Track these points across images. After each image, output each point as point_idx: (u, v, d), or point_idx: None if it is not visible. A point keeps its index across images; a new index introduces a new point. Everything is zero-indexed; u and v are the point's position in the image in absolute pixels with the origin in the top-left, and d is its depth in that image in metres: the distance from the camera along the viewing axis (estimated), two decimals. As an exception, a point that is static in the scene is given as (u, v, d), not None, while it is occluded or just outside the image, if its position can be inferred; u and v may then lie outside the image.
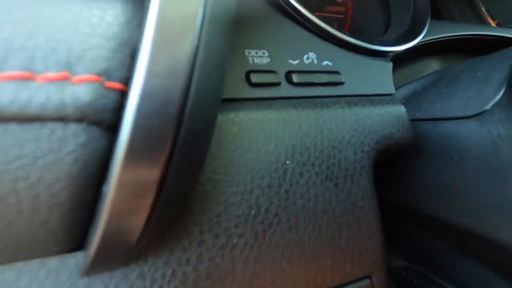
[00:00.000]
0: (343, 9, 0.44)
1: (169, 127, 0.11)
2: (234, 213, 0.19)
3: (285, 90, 0.24)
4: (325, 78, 0.25)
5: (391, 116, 0.26)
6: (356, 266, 0.22)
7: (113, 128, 0.12)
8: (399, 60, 0.36)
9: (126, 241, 0.13)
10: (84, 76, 0.11)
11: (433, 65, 0.42)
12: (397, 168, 0.30)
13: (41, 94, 0.10)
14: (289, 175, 0.21)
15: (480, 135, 0.24)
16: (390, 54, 0.30)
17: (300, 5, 0.25)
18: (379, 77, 0.28)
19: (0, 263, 0.14)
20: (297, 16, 0.26)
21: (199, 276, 0.18)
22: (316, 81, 0.25)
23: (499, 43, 0.42)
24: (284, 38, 0.25)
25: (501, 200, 0.23)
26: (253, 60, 0.23)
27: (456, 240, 0.28)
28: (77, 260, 0.15)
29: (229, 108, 0.21)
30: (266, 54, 0.24)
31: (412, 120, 0.29)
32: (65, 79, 0.11)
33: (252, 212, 0.19)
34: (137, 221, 0.12)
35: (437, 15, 0.48)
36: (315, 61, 0.26)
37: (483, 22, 0.48)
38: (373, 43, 0.29)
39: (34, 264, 0.14)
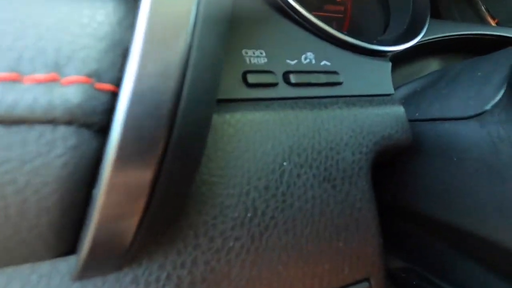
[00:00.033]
0: (342, 8, 0.44)
1: (161, 129, 0.11)
2: (230, 216, 0.18)
3: (283, 90, 0.23)
4: (323, 79, 0.25)
5: (390, 117, 0.26)
6: (354, 269, 0.22)
7: (104, 130, 0.12)
8: (398, 60, 0.36)
9: (118, 245, 0.13)
10: (74, 77, 0.11)
11: (432, 65, 0.42)
12: (396, 168, 0.30)
13: (29, 96, 0.10)
14: (286, 176, 0.20)
15: (480, 136, 0.24)
16: (389, 54, 0.30)
17: (298, 4, 0.25)
18: (377, 77, 0.28)
19: None
20: (295, 16, 0.25)
21: (194, 279, 0.17)
22: (314, 81, 0.25)
23: (499, 43, 0.42)
24: (282, 38, 0.25)
25: (500, 202, 0.23)
26: (250, 60, 0.23)
27: (455, 241, 0.28)
28: (69, 264, 0.15)
29: (225, 109, 0.20)
30: (264, 54, 0.24)
31: (411, 120, 0.28)
32: (53, 80, 0.11)
33: (249, 215, 0.19)
34: (129, 225, 0.12)
35: (436, 15, 0.48)
36: (313, 61, 0.26)
37: (483, 21, 0.48)
38: (372, 43, 0.29)
39: (25, 268, 0.14)
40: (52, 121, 0.11)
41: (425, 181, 0.28)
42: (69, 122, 0.11)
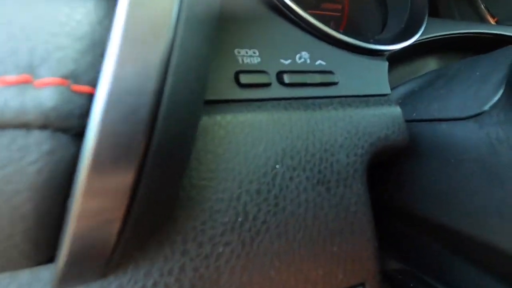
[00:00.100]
0: (339, 6, 0.43)
1: (140, 134, 0.10)
2: (220, 221, 0.18)
3: (276, 91, 0.23)
4: (318, 78, 0.25)
5: (386, 118, 0.25)
6: (348, 274, 0.21)
7: (83, 134, 0.11)
8: (395, 59, 0.35)
9: (98, 254, 0.12)
10: (48, 79, 0.10)
11: (430, 64, 0.41)
12: (393, 169, 0.30)
13: (-2, 99, 0.10)
14: (278, 180, 0.20)
15: (478, 137, 0.23)
16: (386, 53, 0.30)
17: (293, 3, 0.25)
18: (374, 77, 0.28)
19: None
20: (289, 14, 0.25)
21: (182, 287, 0.17)
22: (309, 81, 0.24)
23: (498, 41, 0.41)
24: (276, 37, 0.24)
25: (499, 204, 0.23)
26: (242, 60, 0.23)
27: (452, 243, 0.28)
28: (51, 272, 0.14)
29: (217, 110, 0.20)
30: (257, 53, 0.23)
31: (408, 121, 0.28)
32: (25, 82, 0.10)
33: (239, 219, 0.18)
34: (109, 233, 0.12)
35: (435, 13, 0.48)
36: (308, 61, 0.25)
37: (482, 20, 0.48)
38: (368, 42, 0.28)
39: (4, 277, 0.14)
40: (24, 125, 0.10)
41: (423, 182, 0.28)
42: (43, 126, 0.10)
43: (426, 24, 0.34)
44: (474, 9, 0.48)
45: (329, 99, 0.24)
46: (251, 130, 0.20)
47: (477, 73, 0.27)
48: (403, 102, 0.31)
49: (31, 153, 0.10)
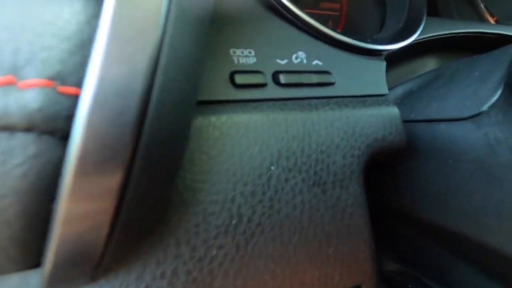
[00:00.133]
0: (338, 6, 0.43)
1: (127, 136, 0.10)
2: (213, 223, 0.18)
3: (272, 91, 0.23)
4: (314, 79, 0.24)
5: (383, 118, 0.25)
6: (344, 276, 0.21)
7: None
8: (394, 59, 0.35)
9: (86, 258, 0.12)
10: (33, 80, 0.10)
11: (429, 64, 0.41)
12: (390, 169, 0.30)
13: (-20, 101, 0.09)
14: (274, 181, 0.20)
15: (477, 137, 0.23)
16: (383, 53, 0.29)
17: (289, 2, 0.24)
18: (371, 77, 0.27)
19: None
20: (286, 13, 0.25)
21: None
22: (305, 81, 0.24)
23: (498, 41, 0.41)
24: (272, 37, 0.24)
25: (497, 205, 0.22)
26: (238, 60, 0.22)
27: (451, 244, 0.28)
28: (40, 277, 0.14)
29: (211, 111, 0.20)
30: (253, 53, 0.23)
31: (406, 121, 0.28)
32: (9, 84, 0.10)
33: (233, 222, 0.18)
34: (97, 238, 0.11)
35: (434, 12, 0.47)
36: (305, 61, 0.25)
37: (481, 19, 0.47)
38: (366, 42, 0.28)
39: (-8, 282, 0.13)
40: (8, 128, 0.10)
41: (421, 183, 0.27)
42: (28, 129, 0.10)
43: (425, 23, 0.34)
44: (474, 8, 0.48)
45: (325, 100, 0.24)
46: (246, 131, 0.20)
47: (476, 73, 0.27)
48: (401, 102, 0.31)
49: (16, 156, 0.10)
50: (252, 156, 0.19)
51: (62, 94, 0.11)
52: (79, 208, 0.10)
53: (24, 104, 0.10)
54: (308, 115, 0.22)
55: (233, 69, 0.22)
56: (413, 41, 0.32)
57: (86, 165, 0.10)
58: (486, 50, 0.29)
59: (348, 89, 0.26)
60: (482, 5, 0.47)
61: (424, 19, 0.34)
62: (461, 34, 0.38)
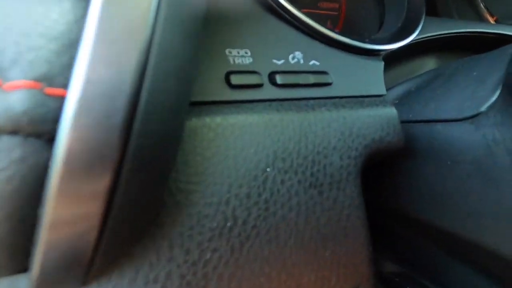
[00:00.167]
0: (336, 5, 0.42)
1: (114, 139, 0.10)
2: (208, 226, 0.17)
3: (268, 92, 0.22)
4: (311, 79, 0.24)
5: (381, 119, 0.25)
6: (341, 279, 0.21)
7: (58, 139, 0.11)
8: (393, 59, 0.35)
9: (74, 263, 0.12)
10: (19, 82, 0.10)
11: (428, 64, 0.41)
12: (388, 170, 0.29)
13: (-37, 104, 0.09)
14: (269, 183, 0.19)
15: (475, 138, 0.23)
16: (381, 53, 0.29)
17: (286, 1, 0.24)
18: (369, 77, 0.27)
19: None
20: (283, 13, 0.24)
21: None
22: (302, 82, 0.24)
23: (498, 41, 0.41)
24: (269, 37, 0.24)
25: (495, 208, 0.22)
26: (234, 60, 0.22)
27: (448, 245, 0.28)
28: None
29: (206, 112, 0.19)
30: (249, 53, 0.23)
31: (404, 122, 0.27)
32: (-6, 85, 0.10)
33: (228, 224, 0.18)
34: (85, 243, 0.11)
35: (434, 12, 0.47)
36: (302, 61, 0.25)
37: (481, 18, 0.47)
38: (363, 42, 0.28)
39: (-19, 286, 0.13)
40: (-7, 131, 0.10)
41: (418, 184, 0.27)
42: (13, 132, 0.10)
43: (424, 23, 0.34)
44: (473, 7, 0.47)
45: (322, 100, 0.24)
46: (241, 132, 0.20)
47: (475, 73, 0.26)
48: (399, 102, 0.31)
49: (0, 160, 0.10)
50: (248, 158, 0.19)
51: (49, 95, 0.10)
52: (65, 212, 0.10)
53: (9, 106, 0.10)
54: (305, 116, 0.22)
55: (229, 69, 0.22)
56: (412, 41, 0.32)
57: (72, 168, 0.10)
58: (485, 50, 0.29)
59: (346, 89, 0.25)
60: (482, 4, 0.47)
61: (423, 18, 0.34)
62: (460, 34, 0.38)
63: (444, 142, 0.25)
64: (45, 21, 0.11)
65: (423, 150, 0.27)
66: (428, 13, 0.35)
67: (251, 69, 0.22)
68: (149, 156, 0.12)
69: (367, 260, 0.22)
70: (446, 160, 0.25)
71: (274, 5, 0.24)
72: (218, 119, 0.19)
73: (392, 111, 0.26)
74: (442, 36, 0.37)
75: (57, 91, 0.10)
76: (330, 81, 0.25)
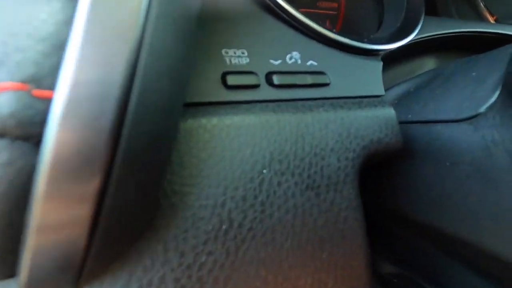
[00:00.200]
0: (335, 5, 0.42)
1: (103, 143, 0.10)
2: (203, 229, 0.17)
3: (265, 92, 0.22)
4: (309, 79, 0.24)
5: (379, 120, 0.24)
6: (339, 282, 0.21)
7: (46, 142, 0.10)
8: (392, 59, 0.34)
9: (64, 268, 0.11)
10: (6, 83, 0.10)
11: (428, 64, 0.40)
12: (387, 171, 0.29)
13: None
14: (266, 185, 0.19)
15: (474, 139, 0.23)
16: (380, 53, 0.29)
17: (283, 1, 0.24)
18: (368, 77, 0.27)
19: None
20: (280, 13, 0.24)
21: None
22: (299, 82, 0.23)
23: (498, 41, 0.40)
24: (266, 37, 0.24)
25: (494, 209, 0.22)
26: (230, 61, 0.22)
27: (447, 246, 0.27)
28: (21, 285, 0.13)
29: (202, 113, 0.19)
30: (246, 53, 0.23)
31: (403, 122, 0.27)
32: (-21, 88, 0.09)
33: (224, 227, 0.18)
34: (74, 247, 0.11)
35: (433, 12, 0.47)
36: (299, 61, 0.24)
37: (481, 18, 0.47)
38: (362, 41, 0.28)
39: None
40: (-22, 134, 0.09)
41: (417, 185, 0.27)
42: (0, 135, 0.10)
43: (423, 23, 0.34)
44: (473, 7, 0.47)
45: (320, 101, 0.24)
46: (237, 134, 0.19)
47: (474, 74, 0.26)
48: (398, 102, 0.31)
49: (-13, 163, 0.10)
50: (244, 159, 0.19)
51: (36, 98, 0.10)
52: (53, 216, 0.10)
53: (-5, 108, 0.09)
54: (302, 117, 0.22)
55: (225, 70, 0.21)
56: (411, 40, 0.32)
57: (59, 172, 0.09)
58: (485, 50, 0.29)
59: (344, 90, 0.25)
60: (482, 4, 0.47)
61: (422, 18, 0.34)
62: (460, 34, 0.38)
63: (443, 143, 0.25)
64: (33, 21, 0.11)
65: (422, 151, 0.26)
66: (428, 13, 0.35)
67: (247, 69, 0.22)
68: (140, 159, 0.11)
69: (364, 263, 0.22)
70: (445, 161, 0.25)
71: (272, 5, 0.24)
72: (214, 120, 0.19)
73: (390, 112, 0.25)
74: (442, 36, 0.37)
75: (45, 93, 0.10)
76: (327, 81, 0.25)
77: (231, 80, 0.21)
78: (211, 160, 0.18)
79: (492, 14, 0.47)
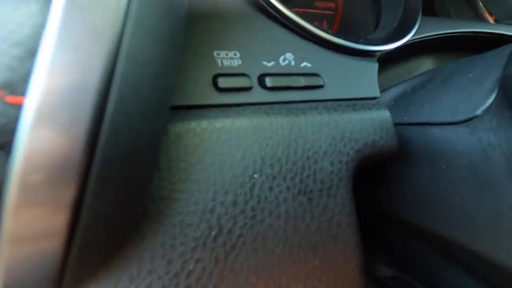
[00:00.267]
0: (333, 5, 0.42)
1: (77, 152, 0.09)
2: (191, 235, 0.17)
3: (257, 95, 0.22)
4: (302, 81, 0.23)
5: (374, 122, 0.24)
6: (332, 288, 0.20)
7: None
8: (389, 59, 0.34)
9: (40, 280, 0.11)
10: (-22, 90, 0.09)
11: (425, 64, 0.40)
12: (382, 173, 0.29)
13: None
14: (257, 190, 0.19)
15: (470, 142, 0.22)
16: (376, 54, 0.28)
17: (276, 1, 0.23)
18: (363, 79, 0.26)
19: None
20: (273, 13, 0.24)
21: None
22: (293, 84, 0.23)
23: (497, 41, 0.40)
24: (259, 38, 0.23)
25: (490, 213, 0.22)
26: (222, 63, 0.21)
27: (443, 250, 0.27)
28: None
29: (191, 117, 0.19)
30: (238, 55, 0.22)
31: (399, 124, 0.27)
32: None
33: (213, 233, 0.17)
34: (50, 258, 0.10)
35: (431, 12, 0.46)
36: (293, 63, 0.24)
37: (480, 18, 0.46)
38: (357, 42, 0.27)
39: None
40: None
41: (413, 188, 0.27)
42: (-29, 143, 0.09)
43: (420, 23, 0.33)
44: (472, 7, 0.47)
45: (314, 103, 0.23)
46: (228, 138, 0.19)
47: (471, 75, 0.26)
48: (395, 104, 0.30)
49: (-43, 173, 0.09)
50: (234, 164, 0.19)
51: (10, 104, 0.10)
52: (26, 227, 0.10)
53: (-35, 116, 0.09)
54: (295, 120, 0.21)
55: (217, 72, 0.21)
56: (408, 41, 0.31)
57: (31, 181, 0.09)
58: (484, 50, 0.29)
59: (338, 92, 0.25)
60: (480, 3, 0.46)
61: (419, 18, 0.33)
62: (458, 34, 0.37)
63: (439, 145, 0.24)
64: (8, 24, 0.10)
65: (417, 153, 0.26)
66: (426, 13, 0.35)
67: (239, 71, 0.22)
68: (120, 166, 0.11)
69: (358, 268, 0.21)
70: (441, 164, 0.24)
71: (265, 5, 0.23)
72: (204, 123, 0.19)
73: (385, 114, 0.25)
74: (439, 36, 0.36)
75: (19, 99, 0.10)
76: (322, 83, 0.24)
77: (223, 82, 0.21)
78: (200, 165, 0.18)
79: (491, 14, 0.47)
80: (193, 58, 0.20)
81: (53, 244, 0.10)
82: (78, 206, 0.10)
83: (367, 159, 0.23)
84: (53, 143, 0.09)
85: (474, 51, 0.33)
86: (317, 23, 0.39)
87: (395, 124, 0.26)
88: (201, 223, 0.17)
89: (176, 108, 0.19)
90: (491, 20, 0.46)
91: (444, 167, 0.24)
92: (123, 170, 0.11)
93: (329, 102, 0.24)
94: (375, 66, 0.28)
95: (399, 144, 0.26)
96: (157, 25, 0.11)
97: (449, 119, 0.24)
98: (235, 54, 0.22)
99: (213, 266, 0.17)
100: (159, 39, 0.12)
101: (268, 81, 0.22)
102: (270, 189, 0.19)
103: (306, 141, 0.21)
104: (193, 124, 0.18)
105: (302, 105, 0.23)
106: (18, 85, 0.10)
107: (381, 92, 0.28)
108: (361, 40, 0.28)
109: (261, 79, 0.22)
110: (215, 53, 0.21)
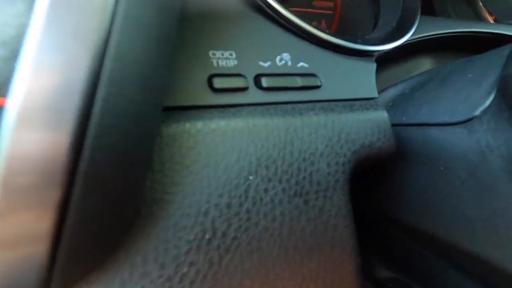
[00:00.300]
0: (331, 4, 0.41)
1: (61, 156, 0.09)
2: (185, 238, 0.16)
3: (253, 95, 0.21)
4: (299, 82, 0.23)
5: (371, 123, 0.24)
6: (328, 291, 0.20)
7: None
8: (387, 59, 0.34)
9: (27, 284, 0.11)
10: (-40, 92, 0.09)
11: (424, 64, 0.40)
12: (381, 174, 0.29)
13: None
14: (252, 192, 0.18)
15: (468, 144, 0.22)
16: (374, 54, 0.28)
17: (273, 0, 0.23)
18: (360, 79, 0.26)
19: None
20: (270, 12, 0.23)
21: None
22: (289, 85, 0.23)
23: (497, 41, 0.40)
24: (255, 37, 0.23)
25: (489, 216, 0.21)
26: (217, 63, 0.21)
27: (442, 252, 0.27)
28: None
29: (186, 118, 0.19)
30: (234, 55, 0.22)
31: (397, 125, 0.26)
32: None
33: (207, 236, 0.17)
34: (36, 264, 0.10)
35: (430, 11, 0.46)
36: (289, 63, 0.24)
37: (479, 18, 0.46)
38: (355, 42, 0.27)
39: None
40: None
41: (410, 189, 0.27)
42: (-47, 147, 0.09)
43: (419, 22, 0.33)
44: (472, 6, 0.46)
45: (310, 104, 0.23)
46: (223, 139, 0.19)
47: (469, 76, 0.25)
48: (393, 104, 0.30)
49: None
50: (229, 166, 0.18)
51: (-6, 106, 0.10)
52: (9, 232, 0.09)
53: None
54: (291, 121, 0.21)
55: (212, 72, 0.21)
56: (406, 41, 0.31)
57: (14, 185, 0.09)
58: (484, 51, 0.28)
59: (335, 92, 0.24)
60: (480, 3, 0.46)
61: (418, 18, 0.33)
62: (457, 34, 0.37)
63: (437, 146, 0.24)
64: (-7, 24, 0.10)
65: (416, 154, 0.26)
66: (425, 12, 0.34)
67: (235, 71, 0.21)
68: (108, 169, 0.11)
69: (354, 273, 0.21)
70: (439, 165, 0.24)
71: (261, 4, 0.23)
72: (199, 124, 0.18)
73: (383, 115, 0.25)
74: (438, 36, 0.36)
75: (3, 101, 0.10)
76: (318, 83, 0.24)
77: (218, 82, 0.20)
78: (194, 167, 0.18)
79: (491, 14, 0.47)
80: (188, 58, 0.20)
81: (39, 248, 0.10)
82: (64, 209, 0.10)
83: (364, 161, 0.23)
84: (37, 145, 0.09)
85: (474, 51, 0.33)
86: (315, 22, 0.39)
87: (393, 125, 0.26)
88: (195, 226, 0.17)
89: (170, 109, 0.18)
90: (490, 20, 0.46)
91: (442, 168, 0.24)
92: (111, 172, 0.11)
93: (326, 103, 0.24)
94: (373, 66, 0.27)
95: (397, 145, 0.26)
96: (147, 24, 0.11)
97: (447, 119, 0.24)
98: (231, 54, 0.22)
99: (207, 270, 0.17)
100: (149, 39, 0.11)
101: (264, 82, 0.22)
102: (266, 191, 0.19)
103: (302, 142, 0.21)
104: (187, 125, 0.18)
105: (299, 105, 0.22)
106: (2, 86, 0.10)
107: (379, 92, 0.28)
108: (359, 40, 0.27)
109: (257, 79, 0.22)
110: (210, 53, 0.21)
